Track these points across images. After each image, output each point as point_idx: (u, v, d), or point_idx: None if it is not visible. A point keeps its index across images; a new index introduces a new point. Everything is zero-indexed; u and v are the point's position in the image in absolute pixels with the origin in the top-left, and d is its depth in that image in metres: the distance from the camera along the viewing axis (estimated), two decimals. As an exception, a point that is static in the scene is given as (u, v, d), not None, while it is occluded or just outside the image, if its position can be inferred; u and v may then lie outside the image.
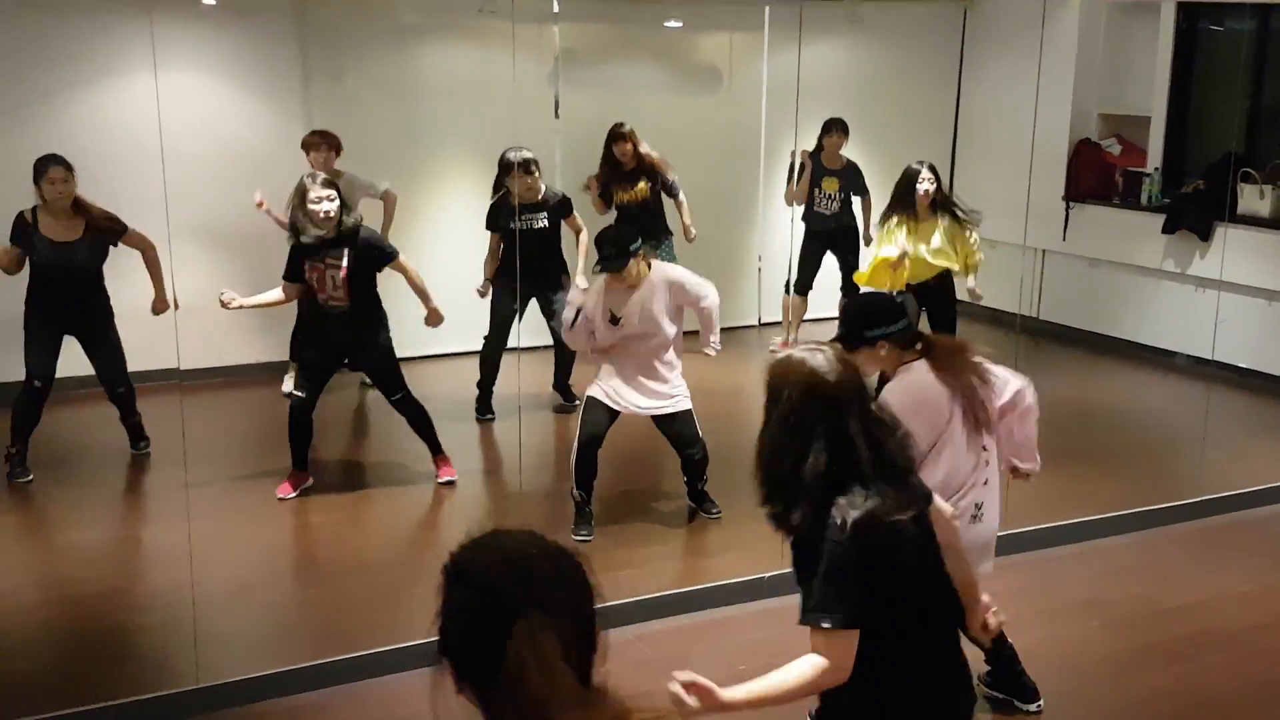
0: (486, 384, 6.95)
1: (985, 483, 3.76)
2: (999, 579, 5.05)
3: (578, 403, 6.91)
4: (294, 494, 5.78)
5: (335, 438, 6.74)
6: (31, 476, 5.91)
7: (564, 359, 7.04)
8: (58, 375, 6.32)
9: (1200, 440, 6.36)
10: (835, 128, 7.89)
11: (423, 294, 5.77)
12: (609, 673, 4.29)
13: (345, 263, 5.47)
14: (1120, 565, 5.23)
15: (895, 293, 6.09)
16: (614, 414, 5.33)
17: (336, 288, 5.52)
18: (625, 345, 5.26)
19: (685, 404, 5.38)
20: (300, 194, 5.44)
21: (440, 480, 5.98)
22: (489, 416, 6.95)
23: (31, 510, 5.69)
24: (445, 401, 6.70)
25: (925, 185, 6.49)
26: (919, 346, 3.67)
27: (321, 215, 5.39)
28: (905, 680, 2.53)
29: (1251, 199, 7.70)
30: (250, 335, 7.55)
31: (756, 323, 8.84)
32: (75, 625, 4.62)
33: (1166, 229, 8.12)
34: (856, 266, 7.75)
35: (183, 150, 6.22)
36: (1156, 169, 8.42)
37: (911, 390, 3.57)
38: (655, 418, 5.39)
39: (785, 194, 7.98)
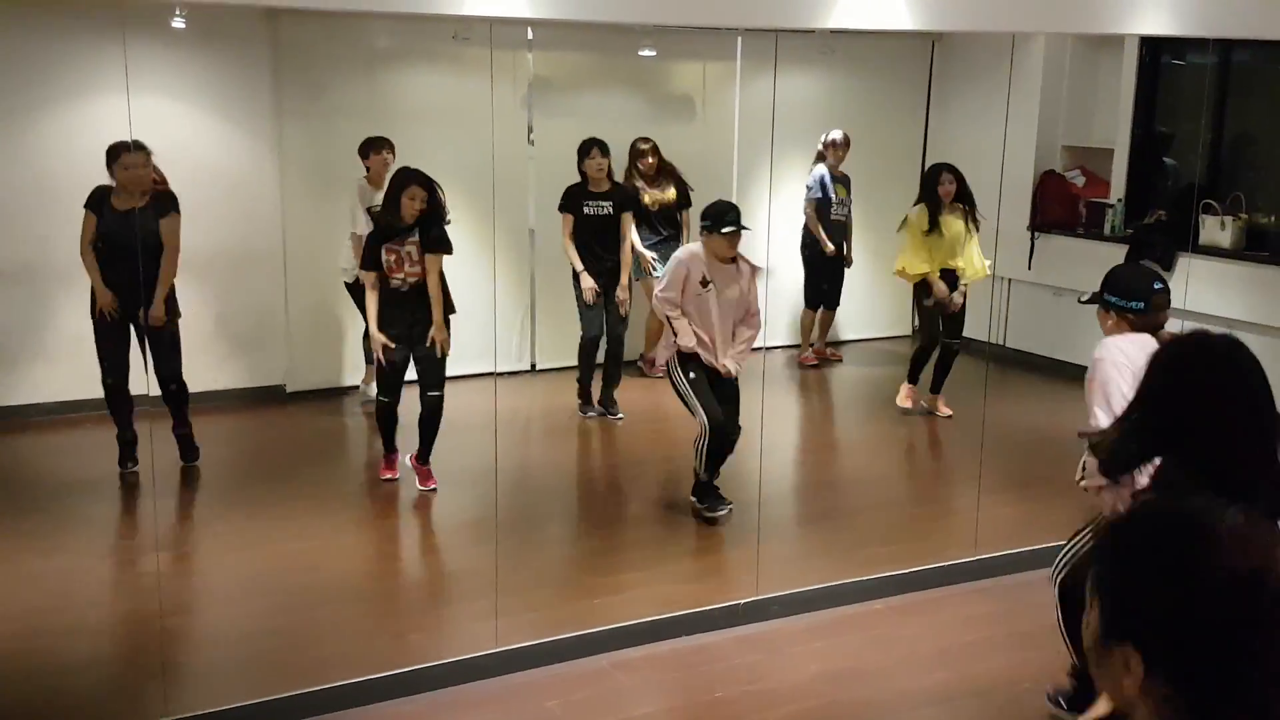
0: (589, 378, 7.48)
1: None
2: (971, 604, 5.12)
3: (621, 416, 7.48)
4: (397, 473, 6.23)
5: (316, 462, 6.71)
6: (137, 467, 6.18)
7: (615, 372, 7.56)
8: (32, 401, 6.25)
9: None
10: (843, 139, 8.56)
11: (437, 302, 5.93)
12: (583, 702, 4.25)
13: (417, 239, 5.86)
14: (1090, 591, 5.28)
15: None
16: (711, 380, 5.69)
17: (413, 264, 5.88)
18: (708, 308, 5.65)
19: (739, 371, 5.78)
20: (398, 187, 5.86)
21: (421, 488, 6.14)
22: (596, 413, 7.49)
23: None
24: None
25: (946, 185, 7.32)
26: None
27: (415, 211, 5.82)
28: None
29: (1213, 230, 7.83)
30: (222, 360, 7.50)
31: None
32: (40, 657, 4.52)
33: (1130, 259, 8.24)
34: (841, 283, 8.82)
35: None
36: (1120, 200, 8.56)
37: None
38: (717, 380, 5.71)
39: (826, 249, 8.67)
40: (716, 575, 5.29)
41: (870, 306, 9.37)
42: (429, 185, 5.90)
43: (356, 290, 7.28)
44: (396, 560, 5.66)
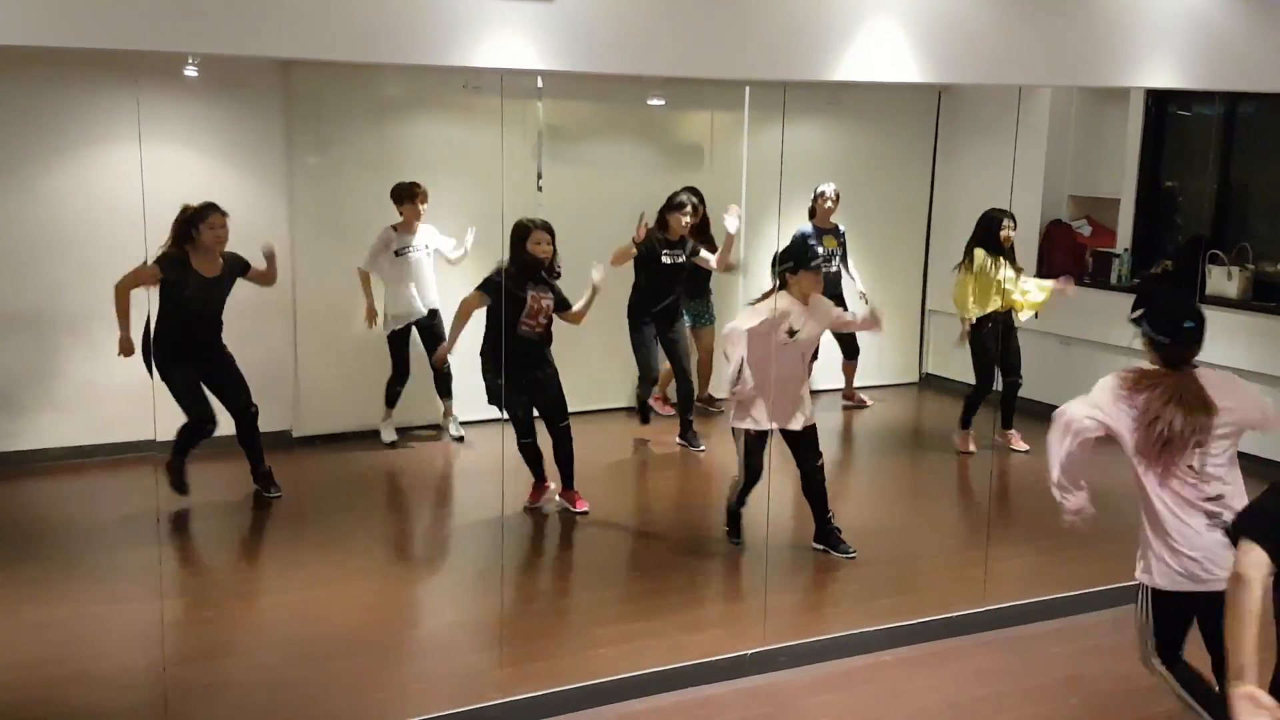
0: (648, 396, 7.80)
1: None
2: (981, 656, 5.08)
3: (703, 448, 7.69)
4: (541, 501, 6.55)
5: (322, 509, 6.70)
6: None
7: (688, 405, 7.85)
8: (40, 446, 6.23)
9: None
10: (830, 193, 8.43)
11: (583, 311, 6.50)
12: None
13: (553, 296, 6.32)
14: (1100, 643, 5.24)
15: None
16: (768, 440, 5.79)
17: (545, 316, 6.30)
18: (784, 361, 5.65)
19: (814, 418, 5.91)
20: (523, 233, 6.23)
21: (574, 510, 6.52)
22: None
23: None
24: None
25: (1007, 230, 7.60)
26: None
27: (540, 255, 6.20)
28: None
29: (1220, 280, 7.84)
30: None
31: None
32: (44, 708, 4.49)
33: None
34: (853, 333, 8.67)
35: (165, 221, 6.23)
36: (1126, 250, 8.58)
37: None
38: (791, 435, 5.81)
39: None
40: (724, 625, 5.25)
41: (877, 354, 9.36)
42: (552, 230, 6.31)
43: (396, 340, 7.43)
44: (403, 609, 5.62)
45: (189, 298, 6.17)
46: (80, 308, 6.63)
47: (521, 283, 6.24)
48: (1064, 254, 8.87)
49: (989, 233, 7.65)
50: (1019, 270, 7.74)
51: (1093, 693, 4.79)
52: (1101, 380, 3.88)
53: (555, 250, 6.30)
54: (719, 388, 6.14)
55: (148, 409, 6.11)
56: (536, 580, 5.79)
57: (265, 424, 7.56)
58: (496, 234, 6.60)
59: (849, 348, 8.86)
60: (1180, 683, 3.89)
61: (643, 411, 7.84)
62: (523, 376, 6.28)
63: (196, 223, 6.22)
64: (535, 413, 6.46)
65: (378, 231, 7.52)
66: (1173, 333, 3.79)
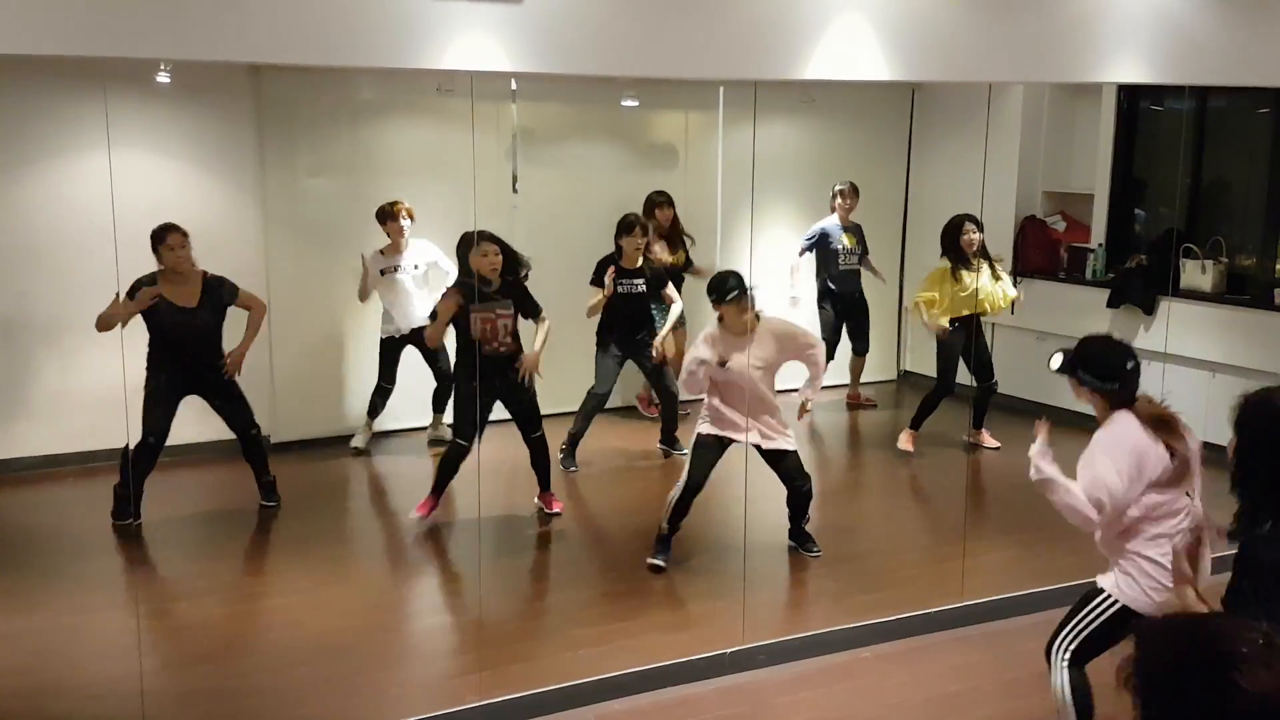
0: (578, 435, 7.47)
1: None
2: (958, 651, 5.09)
3: (685, 451, 7.25)
4: (428, 516, 6.26)
5: (299, 514, 6.67)
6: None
7: (670, 413, 7.68)
8: (12, 455, 6.18)
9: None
10: (848, 189, 8.53)
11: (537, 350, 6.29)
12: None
13: (512, 310, 6.07)
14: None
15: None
16: (720, 455, 5.71)
17: (506, 335, 6.10)
18: (730, 387, 5.61)
19: (790, 445, 5.75)
20: (465, 250, 6.07)
21: (549, 511, 6.51)
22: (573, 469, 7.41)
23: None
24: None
25: (969, 235, 7.43)
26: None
27: (488, 269, 5.94)
28: None
29: (1193, 274, 7.89)
30: (202, 413, 7.45)
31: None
32: (17, 719, 4.47)
33: (1111, 303, 8.29)
34: (867, 329, 8.76)
35: (137, 228, 6.16)
36: (1101, 245, 8.62)
37: (1127, 434, 3.75)
38: (764, 452, 5.72)
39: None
40: (703, 624, 5.25)
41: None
42: (496, 239, 6.09)
43: (386, 347, 7.50)
44: (380, 614, 5.60)
45: (166, 324, 6.03)
46: (51, 316, 6.56)
47: (468, 299, 6.08)
48: (1039, 249, 8.91)
49: (953, 241, 7.57)
50: (995, 269, 7.65)
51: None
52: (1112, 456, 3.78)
53: (506, 259, 6.09)
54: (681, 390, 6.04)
55: (120, 417, 6.09)
56: (514, 583, 5.77)
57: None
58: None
59: (859, 342, 8.84)
60: (1072, 687, 3.90)
61: (581, 420, 7.53)
62: (490, 385, 6.16)
63: (156, 246, 6.04)
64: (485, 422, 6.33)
65: (349, 238, 7.47)
66: (1120, 375, 3.83)
